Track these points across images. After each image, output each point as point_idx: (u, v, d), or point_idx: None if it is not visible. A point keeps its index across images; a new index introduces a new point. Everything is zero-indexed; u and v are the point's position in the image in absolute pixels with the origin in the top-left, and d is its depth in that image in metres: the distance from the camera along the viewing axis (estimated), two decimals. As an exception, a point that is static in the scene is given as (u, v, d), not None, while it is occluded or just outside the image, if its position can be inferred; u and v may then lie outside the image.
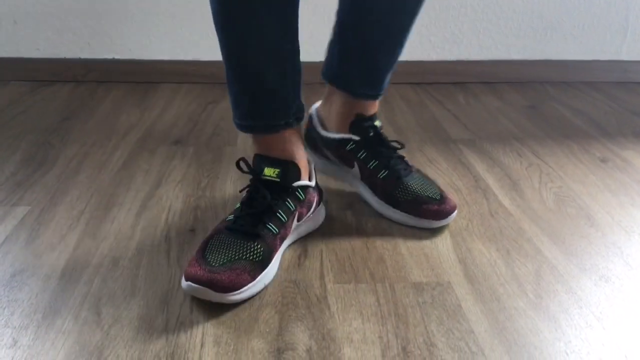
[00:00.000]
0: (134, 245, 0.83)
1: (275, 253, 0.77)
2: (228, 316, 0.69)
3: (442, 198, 0.89)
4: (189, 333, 0.66)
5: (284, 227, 0.79)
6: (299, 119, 0.83)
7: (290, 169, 0.80)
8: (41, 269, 0.77)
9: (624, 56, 1.72)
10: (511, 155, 1.19)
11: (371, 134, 0.92)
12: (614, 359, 0.64)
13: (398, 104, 1.48)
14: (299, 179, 0.81)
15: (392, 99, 1.51)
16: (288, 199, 0.80)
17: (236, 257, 0.72)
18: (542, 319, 0.70)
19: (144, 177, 1.05)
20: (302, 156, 0.84)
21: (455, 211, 0.89)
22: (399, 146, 0.94)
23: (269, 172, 0.79)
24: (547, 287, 0.76)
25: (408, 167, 0.93)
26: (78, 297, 0.72)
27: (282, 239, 0.79)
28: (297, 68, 0.80)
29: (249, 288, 0.72)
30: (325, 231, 0.88)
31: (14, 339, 0.65)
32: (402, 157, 0.94)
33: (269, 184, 0.79)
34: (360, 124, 0.92)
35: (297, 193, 0.81)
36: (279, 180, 0.79)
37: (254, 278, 0.72)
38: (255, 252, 0.74)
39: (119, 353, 0.63)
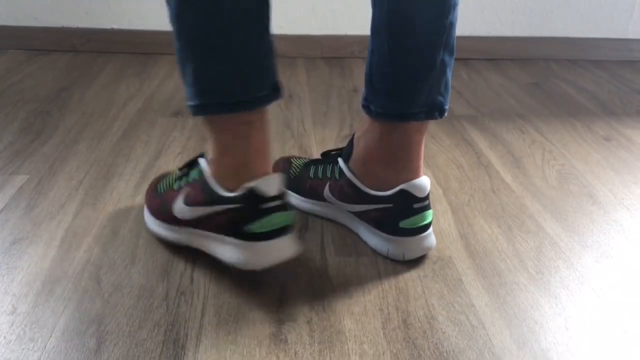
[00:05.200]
0: (134, 216, 0.83)
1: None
2: (229, 286, 0.69)
3: None
4: (189, 303, 0.66)
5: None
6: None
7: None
8: (40, 237, 0.77)
9: (630, 35, 1.70)
10: (514, 132, 1.18)
11: None
12: (614, 334, 0.65)
13: (401, 80, 1.46)
14: None
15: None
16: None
17: None
18: (542, 294, 0.70)
19: (144, 148, 1.04)
20: None
21: None
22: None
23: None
24: (548, 263, 0.76)
25: None
26: (78, 266, 0.72)
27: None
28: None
29: None
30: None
31: (13, 305, 0.65)
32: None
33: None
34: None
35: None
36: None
37: None
38: None
39: (119, 321, 0.63)
